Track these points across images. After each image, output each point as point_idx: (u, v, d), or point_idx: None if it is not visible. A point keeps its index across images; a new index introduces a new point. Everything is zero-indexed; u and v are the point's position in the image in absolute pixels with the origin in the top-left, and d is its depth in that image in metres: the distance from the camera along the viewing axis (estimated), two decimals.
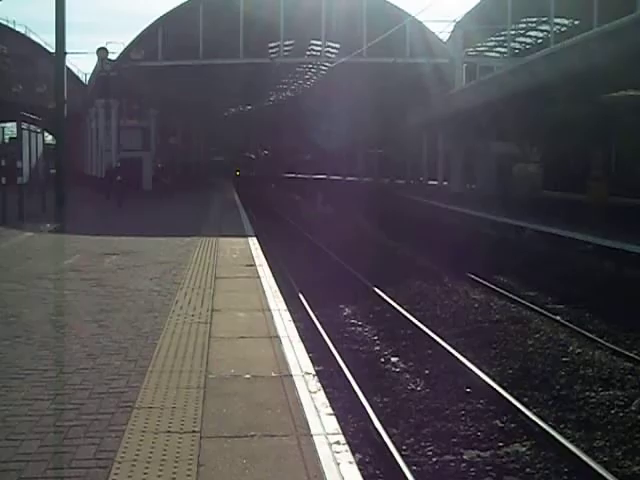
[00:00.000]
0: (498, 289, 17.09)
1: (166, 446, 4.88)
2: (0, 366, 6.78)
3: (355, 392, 9.17)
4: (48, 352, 7.35)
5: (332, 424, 5.37)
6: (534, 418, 8.60)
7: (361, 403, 8.83)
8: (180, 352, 7.27)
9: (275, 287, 11.35)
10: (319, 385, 6.28)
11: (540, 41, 58.17)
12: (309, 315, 13.50)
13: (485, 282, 17.92)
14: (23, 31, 60.76)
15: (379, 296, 16.11)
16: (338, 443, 4.98)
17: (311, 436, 5.09)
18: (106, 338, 7.86)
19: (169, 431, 5.16)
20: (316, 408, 5.67)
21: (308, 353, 7.64)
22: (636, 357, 11.26)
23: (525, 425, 8.58)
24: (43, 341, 7.81)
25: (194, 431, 5.15)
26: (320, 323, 12.91)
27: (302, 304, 14.32)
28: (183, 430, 5.17)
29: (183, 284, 11.42)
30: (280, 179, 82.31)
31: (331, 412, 5.62)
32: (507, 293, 16.58)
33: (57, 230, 21.38)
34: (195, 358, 7.02)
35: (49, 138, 45.80)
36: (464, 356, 11.06)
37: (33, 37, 60.22)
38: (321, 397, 5.96)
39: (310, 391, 6.08)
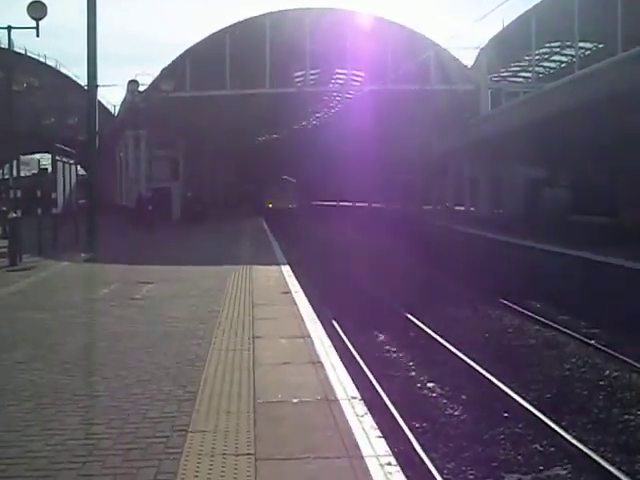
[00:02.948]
0: (531, 314, 17.12)
1: (223, 468, 5.03)
2: (53, 393, 6.97)
3: (395, 418, 9.29)
4: (98, 378, 7.55)
5: (382, 446, 5.50)
6: (574, 442, 8.67)
7: (401, 428, 8.95)
8: (227, 378, 7.43)
9: (313, 314, 11.50)
10: (366, 409, 6.41)
11: (564, 65, 58.32)
12: (344, 342, 13.63)
13: (517, 307, 17.96)
14: (54, 65, 62.06)
15: (412, 322, 16.21)
16: (390, 464, 5.12)
17: (363, 458, 5.23)
18: (153, 365, 8.04)
19: (224, 454, 5.31)
20: (365, 431, 5.81)
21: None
22: None
23: (565, 449, 8.65)
24: (92, 368, 8.02)
25: (249, 454, 5.30)
26: (356, 350, 13.04)
27: (337, 331, 14.46)
28: (238, 453, 5.32)
29: (222, 311, 11.61)
30: (306, 207, 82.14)
31: (380, 435, 5.75)
32: (540, 318, 16.60)
33: (91, 259, 21.73)
34: (242, 384, 7.18)
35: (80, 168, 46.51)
36: (500, 380, 11.12)
37: (64, 70, 61.52)
38: (369, 420, 6.09)
39: (357, 414, 6.22)
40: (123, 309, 12.14)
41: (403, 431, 8.85)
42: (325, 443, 5.51)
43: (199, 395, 6.79)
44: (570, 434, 8.95)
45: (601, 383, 11.39)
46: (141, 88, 44.06)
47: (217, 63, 45.65)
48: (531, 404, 10.01)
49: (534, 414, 9.62)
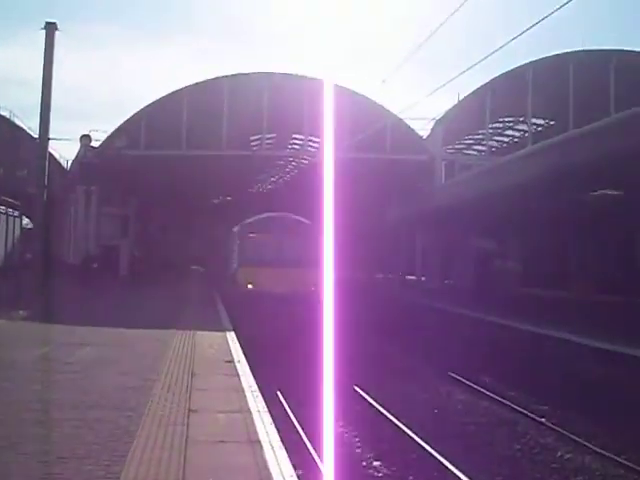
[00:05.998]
0: (481, 389, 16.70)
1: None
2: None
3: None
4: (14, 454, 6.88)
5: None
6: None
7: None
8: (155, 457, 6.81)
9: (254, 386, 10.94)
10: None
11: (517, 140, 59.45)
12: (288, 415, 13.05)
13: (467, 382, 17.54)
14: (7, 115, 61.02)
15: (360, 395, 15.68)
16: None
17: None
18: (77, 439, 7.40)
19: None
20: None
21: (290, 458, 7.21)
22: (626, 462, 10.89)
23: None
24: (13, 441, 7.33)
25: None
26: (300, 424, 12.46)
27: (281, 403, 13.87)
28: None
29: (159, 380, 10.98)
30: None
31: None
32: (490, 394, 16.18)
33: (30, 317, 20.85)
34: (172, 465, 6.57)
35: (25, 221, 45.58)
36: (449, 461, 10.62)
37: (17, 121, 60.42)
38: None
39: None
40: (55, 374, 11.41)
41: None
42: None
43: (122, 477, 6.17)
44: None
45: (554, 465, 10.95)
46: (95, 144, 43.55)
47: (173, 123, 45.37)
48: None
49: None
